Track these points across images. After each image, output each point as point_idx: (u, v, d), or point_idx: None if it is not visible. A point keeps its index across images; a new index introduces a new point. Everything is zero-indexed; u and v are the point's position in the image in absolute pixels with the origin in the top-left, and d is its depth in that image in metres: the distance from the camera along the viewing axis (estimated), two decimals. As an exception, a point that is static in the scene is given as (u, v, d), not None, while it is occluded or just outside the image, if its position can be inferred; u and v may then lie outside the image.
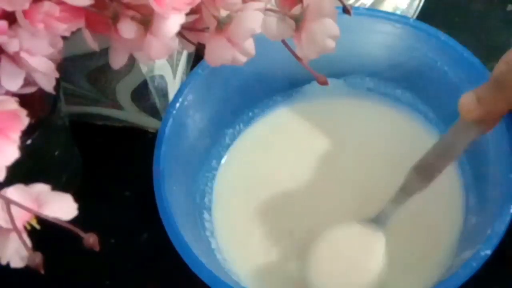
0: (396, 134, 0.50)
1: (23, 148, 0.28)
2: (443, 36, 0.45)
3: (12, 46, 0.29)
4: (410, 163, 0.49)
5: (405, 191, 0.42)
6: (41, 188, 0.28)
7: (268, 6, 0.33)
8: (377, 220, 0.43)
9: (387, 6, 0.56)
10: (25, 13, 0.29)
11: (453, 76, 0.46)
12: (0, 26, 0.29)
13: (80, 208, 0.28)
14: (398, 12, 0.56)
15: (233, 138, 0.51)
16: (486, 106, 0.36)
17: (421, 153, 0.45)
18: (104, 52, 0.33)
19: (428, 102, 0.50)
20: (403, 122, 0.50)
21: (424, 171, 0.41)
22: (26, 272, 0.29)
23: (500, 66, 0.36)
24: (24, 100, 0.29)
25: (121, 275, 0.48)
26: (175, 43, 0.30)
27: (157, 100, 0.51)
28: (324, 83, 0.36)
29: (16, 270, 0.28)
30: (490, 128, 0.38)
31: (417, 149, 0.50)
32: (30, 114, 0.28)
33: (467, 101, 0.37)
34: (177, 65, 0.52)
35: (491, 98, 0.36)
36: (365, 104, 0.51)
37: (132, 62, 0.44)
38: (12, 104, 0.28)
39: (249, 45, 0.31)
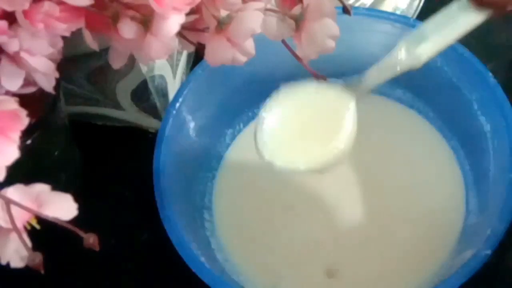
0: (397, 133, 0.50)
1: (23, 148, 0.28)
2: (443, 36, 0.45)
3: (12, 46, 0.29)
4: (410, 162, 0.49)
5: (393, 63, 0.36)
6: (41, 188, 0.28)
7: (268, 6, 0.33)
8: (353, 85, 0.37)
9: (387, 6, 0.56)
10: (25, 13, 0.29)
11: (453, 76, 0.46)
12: (0, 26, 0.29)
13: (80, 208, 0.28)
14: (398, 12, 0.55)
15: (233, 138, 0.51)
16: None
17: (421, 152, 0.45)
18: (104, 52, 0.33)
19: (428, 102, 0.50)
20: (403, 121, 0.50)
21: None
22: (26, 272, 0.29)
23: None
24: (24, 100, 0.29)
25: (121, 275, 0.48)
26: (175, 43, 0.30)
27: (157, 100, 0.51)
28: (324, 83, 0.36)
29: (16, 270, 0.28)
30: (502, 12, 0.33)
31: (417, 148, 0.50)
32: (30, 114, 0.28)
33: None
34: (177, 65, 0.52)
35: None
36: (364, 104, 0.51)
37: (132, 62, 0.44)
38: (12, 104, 0.28)
39: (249, 45, 0.31)
